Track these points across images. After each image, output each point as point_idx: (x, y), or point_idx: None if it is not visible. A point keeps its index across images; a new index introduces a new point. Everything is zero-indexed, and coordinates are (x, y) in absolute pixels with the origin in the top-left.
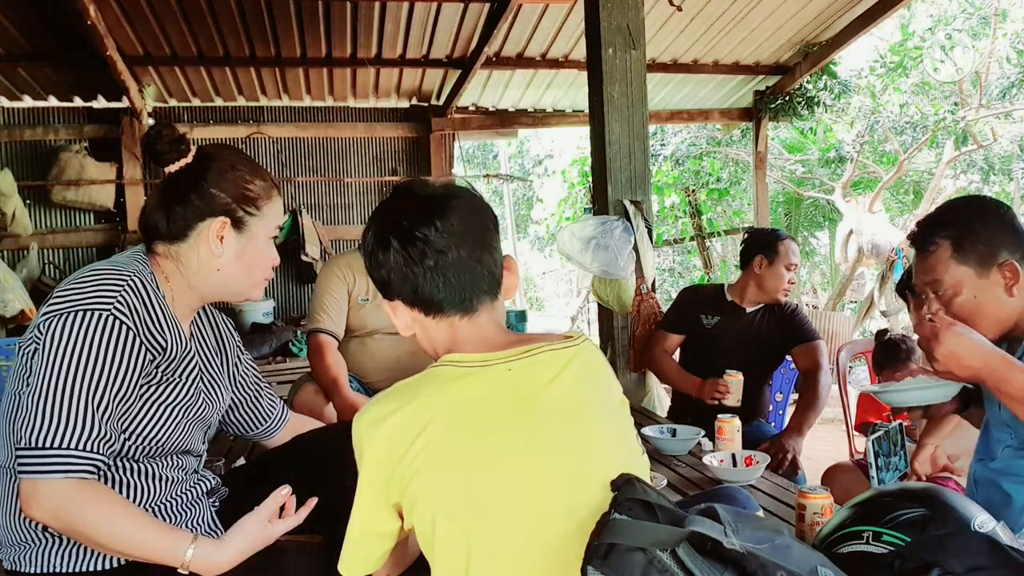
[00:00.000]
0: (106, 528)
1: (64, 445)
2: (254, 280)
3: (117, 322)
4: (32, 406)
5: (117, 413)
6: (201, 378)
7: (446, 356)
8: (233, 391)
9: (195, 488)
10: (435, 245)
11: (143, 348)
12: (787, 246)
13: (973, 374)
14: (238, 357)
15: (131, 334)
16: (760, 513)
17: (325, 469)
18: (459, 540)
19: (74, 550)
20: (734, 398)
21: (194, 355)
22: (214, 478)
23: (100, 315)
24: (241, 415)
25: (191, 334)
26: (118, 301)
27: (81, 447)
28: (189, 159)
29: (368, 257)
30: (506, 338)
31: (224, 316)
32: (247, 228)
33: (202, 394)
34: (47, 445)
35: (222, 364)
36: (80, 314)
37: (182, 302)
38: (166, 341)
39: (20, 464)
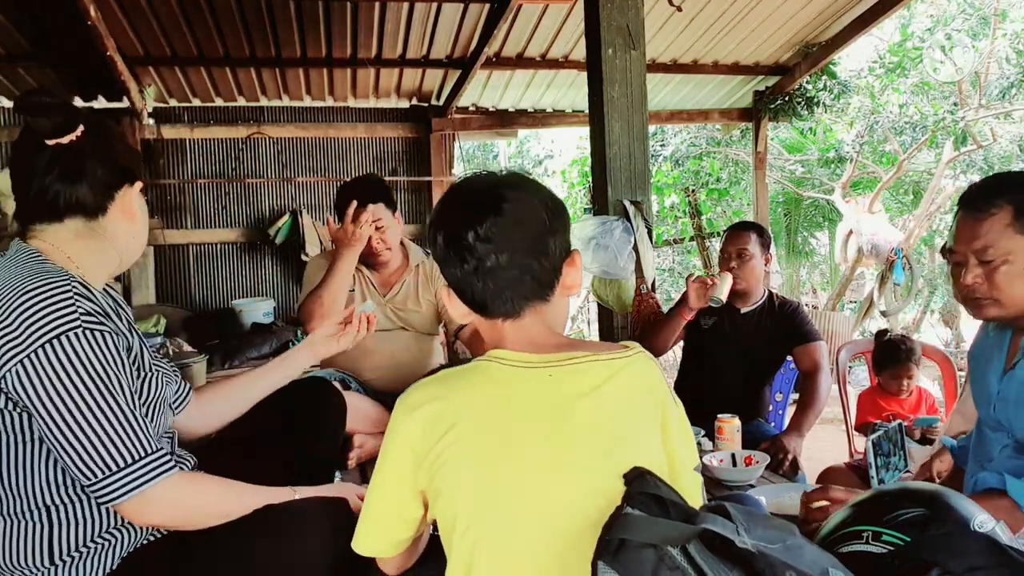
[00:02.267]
0: (221, 507)
1: (147, 452)
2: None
3: (97, 333)
4: (79, 438)
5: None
6: (151, 361)
7: (493, 351)
8: None
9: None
10: (476, 251)
11: (121, 348)
12: (728, 234)
13: None
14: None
15: (110, 337)
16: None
17: (297, 429)
18: (474, 536)
19: (78, 565)
20: (721, 291)
21: (138, 343)
22: (191, 458)
23: (76, 334)
24: None
25: (127, 321)
26: (81, 312)
27: (157, 447)
28: (79, 132)
29: (429, 245)
30: (555, 340)
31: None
32: (141, 190)
33: (157, 380)
34: (133, 460)
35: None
36: (56, 341)
37: (98, 285)
38: (128, 340)
39: (112, 490)
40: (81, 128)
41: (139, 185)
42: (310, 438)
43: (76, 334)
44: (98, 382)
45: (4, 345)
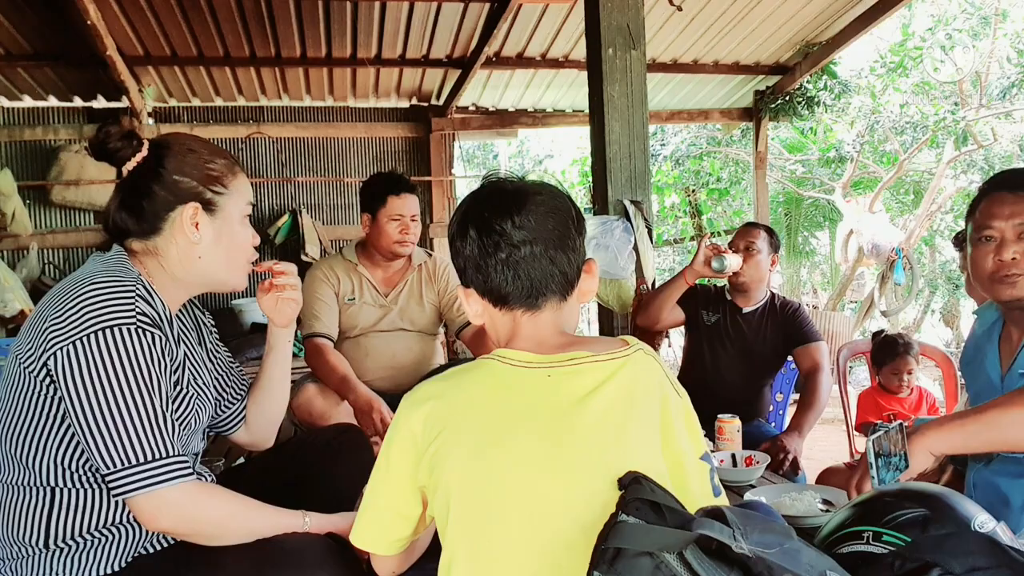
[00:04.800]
0: (232, 521)
1: (168, 453)
2: (237, 264)
3: (148, 334)
4: (108, 427)
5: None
6: (192, 382)
7: (498, 350)
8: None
9: None
10: (510, 238)
11: (166, 356)
12: (739, 230)
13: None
14: (210, 340)
15: (159, 341)
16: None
17: (324, 469)
18: (463, 533)
19: (74, 557)
20: (727, 260)
21: (182, 360)
22: (209, 475)
23: (128, 329)
24: None
25: (178, 336)
26: (138, 312)
27: (179, 452)
28: (144, 153)
29: (450, 243)
30: (560, 340)
31: (195, 301)
32: (219, 209)
33: (194, 401)
34: (153, 458)
35: (203, 357)
36: (109, 331)
37: (171, 299)
38: (174, 352)
39: (127, 483)
40: (142, 154)
41: (191, 206)
42: (335, 480)
43: (129, 329)
44: (138, 377)
45: (61, 326)
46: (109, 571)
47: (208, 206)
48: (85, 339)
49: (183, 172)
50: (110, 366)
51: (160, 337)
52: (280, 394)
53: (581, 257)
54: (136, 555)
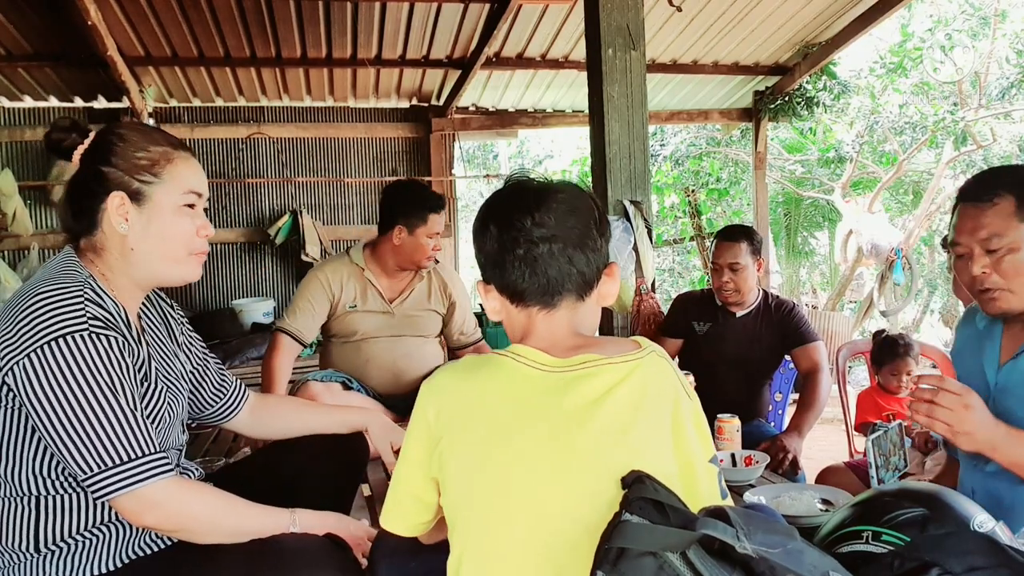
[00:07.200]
0: (218, 517)
1: (143, 452)
2: (174, 255)
3: (102, 337)
4: (76, 435)
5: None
6: (161, 377)
7: (513, 347)
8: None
9: None
10: (528, 234)
11: (127, 355)
12: (718, 244)
13: (982, 448)
14: (182, 333)
15: (116, 342)
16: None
17: (322, 467)
18: (470, 530)
19: (66, 558)
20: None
21: (146, 357)
22: (197, 470)
23: (81, 336)
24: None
25: (141, 329)
26: (89, 316)
27: (156, 449)
28: (86, 145)
29: (473, 240)
30: (574, 342)
31: (160, 292)
32: (148, 198)
33: (165, 395)
34: (129, 459)
35: (173, 350)
36: (62, 340)
37: (127, 297)
38: (134, 350)
39: (105, 487)
40: (84, 146)
41: (117, 196)
42: (333, 479)
43: (82, 336)
44: (100, 380)
45: (13, 341)
46: (104, 570)
47: (135, 196)
48: (39, 351)
49: (109, 162)
50: (68, 375)
51: (116, 338)
52: (303, 427)
53: (602, 259)
54: (132, 555)
